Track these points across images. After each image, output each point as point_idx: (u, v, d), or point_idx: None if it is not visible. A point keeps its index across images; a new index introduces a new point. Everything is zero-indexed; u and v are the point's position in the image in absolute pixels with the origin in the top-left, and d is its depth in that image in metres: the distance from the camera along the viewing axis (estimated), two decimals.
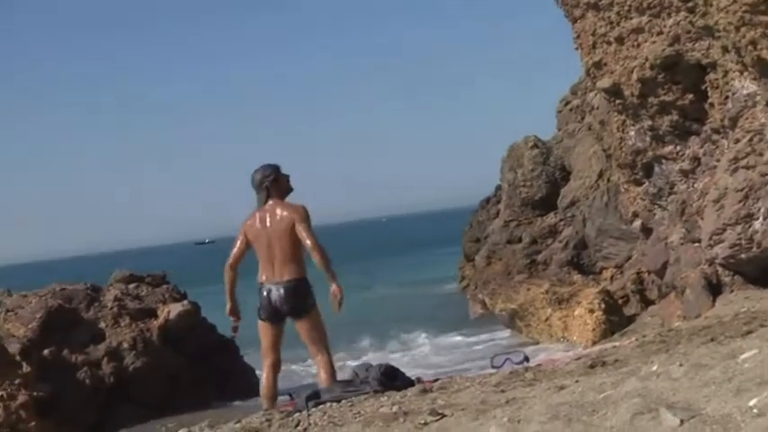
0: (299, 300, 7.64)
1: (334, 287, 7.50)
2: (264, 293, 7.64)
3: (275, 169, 7.85)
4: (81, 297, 17.99)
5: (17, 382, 15.61)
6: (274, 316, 7.69)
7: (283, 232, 7.56)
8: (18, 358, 15.92)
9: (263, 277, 7.69)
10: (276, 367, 7.90)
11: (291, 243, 7.56)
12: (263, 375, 7.94)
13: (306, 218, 7.59)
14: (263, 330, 7.83)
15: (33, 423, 15.39)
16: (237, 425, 6.74)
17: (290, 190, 7.92)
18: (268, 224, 7.64)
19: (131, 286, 19.13)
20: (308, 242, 7.49)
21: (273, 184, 7.76)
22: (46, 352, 16.51)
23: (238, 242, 7.85)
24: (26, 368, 15.84)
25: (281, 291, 7.57)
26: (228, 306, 7.97)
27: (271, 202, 7.72)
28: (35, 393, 15.62)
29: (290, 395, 8.57)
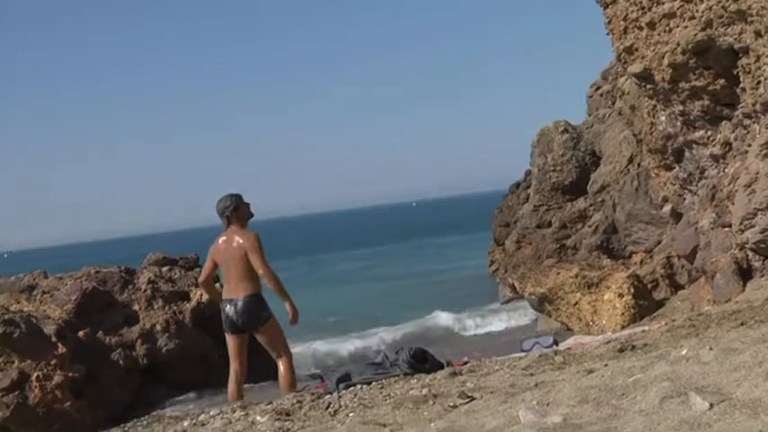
0: (253, 315, 8.36)
1: (288, 308, 8.35)
2: (225, 309, 8.40)
3: (236, 199, 8.62)
4: (115, 280, 18.11)
5: (53, 362, 15.78)
6: (233, 328, 8.43)
7: (238, 258, 8.35)
8: (54, 339, 16.07)
9: (225, 294, 8.51)
10: (240, 374, 8.63)
11: (244, 267, 8.33)
12: (229, 382, 8.61)
13: (257, 247, 8.34)
14: (228, 341, 8.62)
15: (69, 403, 15.55)
16: (269, 406, 6.79)
17: (250, 216, 8.69)
18: (227, 249, 8.45)
19: (164, 269, 19.23)
20: (260, 271, 8.30)
21: (233, 212, 8.53)
22: (81, 333, 16.64)
23: (207, 263, 8.77)
24: (62, 349, 15.99)
25: (238, 306, 8.31)
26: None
27: (232, 228, 8.50)
28: (70, 374, 15.78)
29: (321, 377, 8.64)
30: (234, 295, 8.31)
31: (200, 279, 9.09)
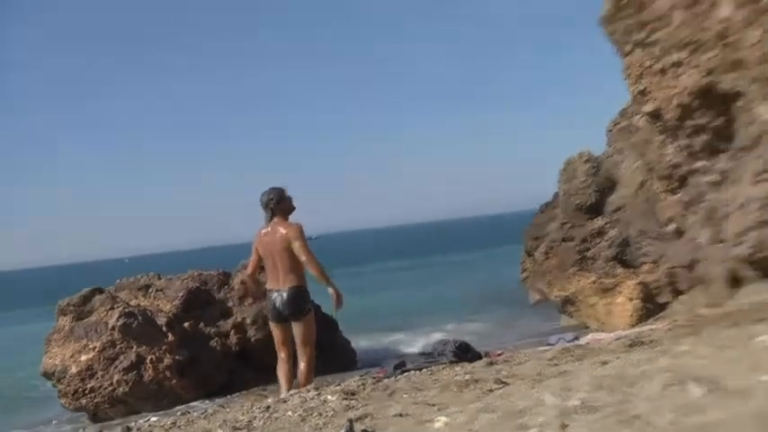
0: (298, 305, 7.59)
1: (331, 291, 7.46)
2: (271, 298, 7.63)
3: (280, 192, 7.71)
4: (214, 281, 18.36)
5: (163, 348, 16.07)
6: (279, 317, 7.66)
7: (283, 249, 7.48)
8: (164, 329, 16.36)
9: (270, 285, 7.73)
10: (289, 360, 7.80)
11: (289, 257, 7.48)
12: (278, 368, 7.80)
13: (300, 236, 7.49)
14: (273, 330, 7.82)
15: (175, 381, 15.83)
16: (338, 387, 6.84)
17: (292, 209, 7.78)
18: (271, 241, 7.58)
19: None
20: (303, 258, 7.41)
21: (277, 205, 7.64)
22: (186, 324, 16.91)
23: (253, 255, 7.90)
24: (170, 337, 16.27)
25: (284, 296, 7.54)
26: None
27: (275, 220, 7.63)
28: (177, 357, 16.04)
29: (381, 365, 8.66)
30: (281, 286, 7.52)
31: (248, 271, 8.15)
